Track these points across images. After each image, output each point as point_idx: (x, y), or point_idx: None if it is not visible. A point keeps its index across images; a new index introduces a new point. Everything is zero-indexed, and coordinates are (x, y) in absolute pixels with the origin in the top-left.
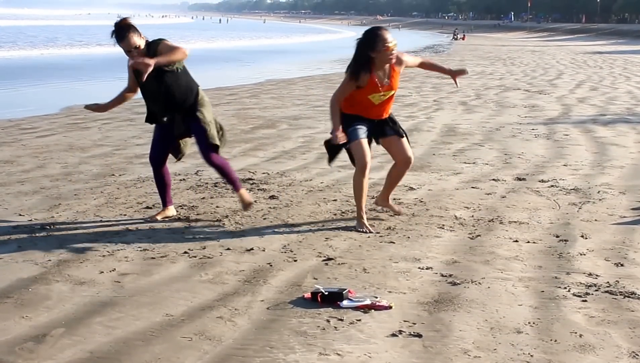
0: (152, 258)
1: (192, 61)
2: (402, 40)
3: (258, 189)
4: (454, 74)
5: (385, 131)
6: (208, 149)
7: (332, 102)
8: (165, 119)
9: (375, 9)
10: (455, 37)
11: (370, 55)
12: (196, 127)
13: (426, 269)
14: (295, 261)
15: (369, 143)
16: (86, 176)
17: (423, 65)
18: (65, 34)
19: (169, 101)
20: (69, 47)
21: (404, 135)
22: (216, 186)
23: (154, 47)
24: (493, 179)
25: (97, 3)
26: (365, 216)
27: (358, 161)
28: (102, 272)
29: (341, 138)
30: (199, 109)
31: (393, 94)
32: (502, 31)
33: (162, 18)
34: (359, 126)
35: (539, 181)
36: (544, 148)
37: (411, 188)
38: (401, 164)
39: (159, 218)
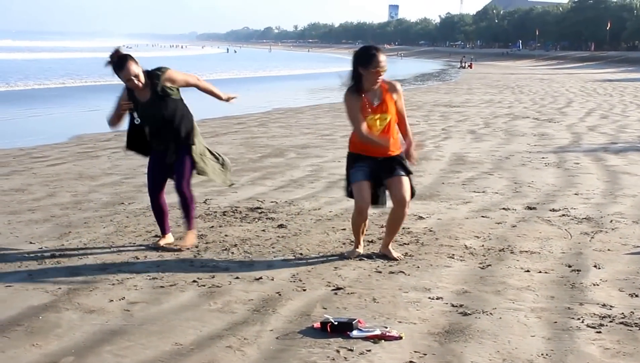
0: (162, 286)
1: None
2: (400, 68)
3: (266, 218)
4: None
5: (392, 170)
6: (183, 179)
7: (360, 131)
8: (159, 147)
9: (383, 38)
10: (463, 65)
11: (360, 72)
12: (184, 157)
13: (436, 299)
14: (304, 290)
15: (375, 184)
16: (96, 204)
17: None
18: (74, 66)
19: (167, 127)
20: (77, 79)
21: (408, 174)
22: (225, 215)
23: (158, 76)
24: (503, 209)
25: (105, 34)
26: (361, 247)
27: (356, 203)
28: (112, 300)
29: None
30: (193, 140)
31: (390, 122)
32: (510, 59)
33: (172, 48)
34: (360, 167)
35: (550, 210)
36: (554, 177)
37: (420, 217)
38: (395, 205)
39: (161, 243)
